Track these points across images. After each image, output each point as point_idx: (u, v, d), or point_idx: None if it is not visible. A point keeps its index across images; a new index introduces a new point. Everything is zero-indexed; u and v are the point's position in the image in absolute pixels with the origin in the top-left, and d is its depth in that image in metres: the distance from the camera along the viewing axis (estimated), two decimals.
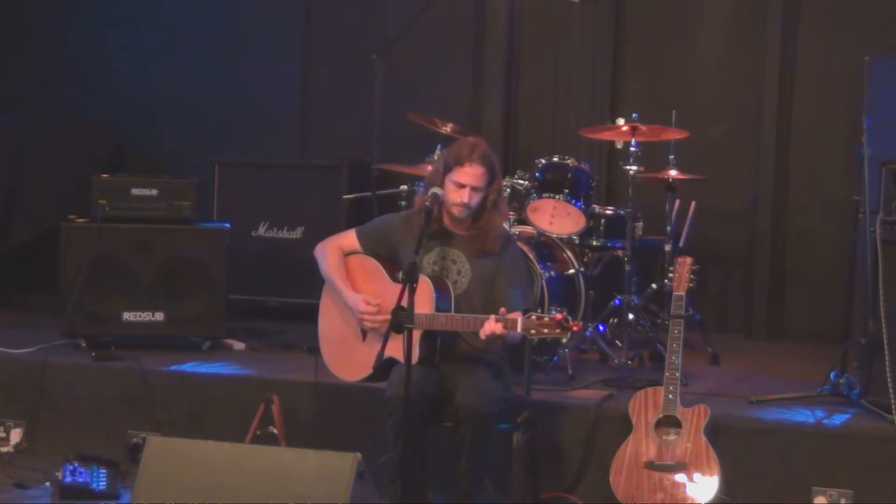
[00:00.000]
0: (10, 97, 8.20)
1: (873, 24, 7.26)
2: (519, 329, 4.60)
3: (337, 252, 5.11)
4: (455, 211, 4.94)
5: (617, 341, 6.50)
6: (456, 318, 4.77)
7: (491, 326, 4.62)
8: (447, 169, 4.96)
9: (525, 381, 5.18)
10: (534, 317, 4.59)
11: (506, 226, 5.85)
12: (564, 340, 5.78)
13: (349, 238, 5.15)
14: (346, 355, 5.05)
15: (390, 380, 4.84)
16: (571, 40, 7.82)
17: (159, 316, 6.47)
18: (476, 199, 4.93)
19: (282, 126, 8.30)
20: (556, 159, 6.48)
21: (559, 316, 4.56)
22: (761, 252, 7.54)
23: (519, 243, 5.53)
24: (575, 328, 4.61)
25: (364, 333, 5.00)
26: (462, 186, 4.91)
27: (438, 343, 4.86)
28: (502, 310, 4.67)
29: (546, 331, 4.57)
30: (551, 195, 6.34)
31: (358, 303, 4.96)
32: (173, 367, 6.12)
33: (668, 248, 6.49)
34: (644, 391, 5.20)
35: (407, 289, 4.47)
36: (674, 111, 6.52)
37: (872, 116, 5.81)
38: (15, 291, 7.80)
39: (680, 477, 4.97)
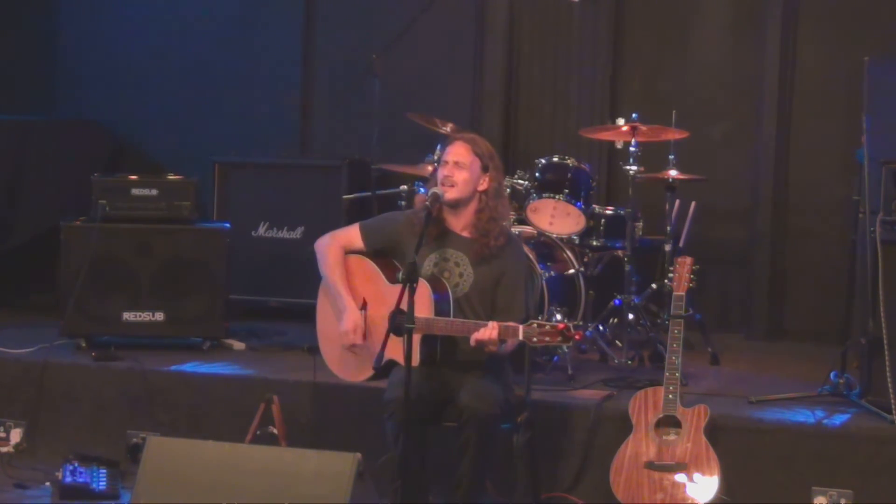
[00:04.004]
0: (8, 96, 8.19)
1: (873, 24, 7.25)
2: (520, 337, 4.60)
3: (338, 251, 5.05)
4: (445, 193, 4.91)
5: (617, 341, 6.50)
6: (455, 324, 4.74)
7: (487, 333, 4.61)
8: (439, 161, 5.06)
9: (525, 381, 5.17)
10: (535, 324, 4.58)
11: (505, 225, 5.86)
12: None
13: (352, 232, 5.10)
14: (346, 355, 5.02)
15: (390, 382, 4.83)
16: (571, 40, 7.81)
17: (159, 316, 6.46)
18: (461, 177, 4.90)
19: (282, 126, 8.29)
20: (556, 159, 6.48)
21: (561, 325, 4.55)
22: (761, 252, 7.52)
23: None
24: (577, 336, 4.60)
25: (364, 335, 4.99)
26: (446, 164, 4.95)
27: (438, 345, 4.83)
28: (492, 323, 4.65)
29: (548, 339, 4.56)
30: (551, 195, 6.34)
31: (349, 323, 4.90)
32: (173, 367, 6.11)
33: (668, 248, 6.48)
34: (644, 391, 5.20)
35: (407, 289, 4.47)
36: (674, 111, 6.52)
37: (872, 116, 5.79)
38: (15, 291, 7.78)
39: (680, 477, 4.97)
